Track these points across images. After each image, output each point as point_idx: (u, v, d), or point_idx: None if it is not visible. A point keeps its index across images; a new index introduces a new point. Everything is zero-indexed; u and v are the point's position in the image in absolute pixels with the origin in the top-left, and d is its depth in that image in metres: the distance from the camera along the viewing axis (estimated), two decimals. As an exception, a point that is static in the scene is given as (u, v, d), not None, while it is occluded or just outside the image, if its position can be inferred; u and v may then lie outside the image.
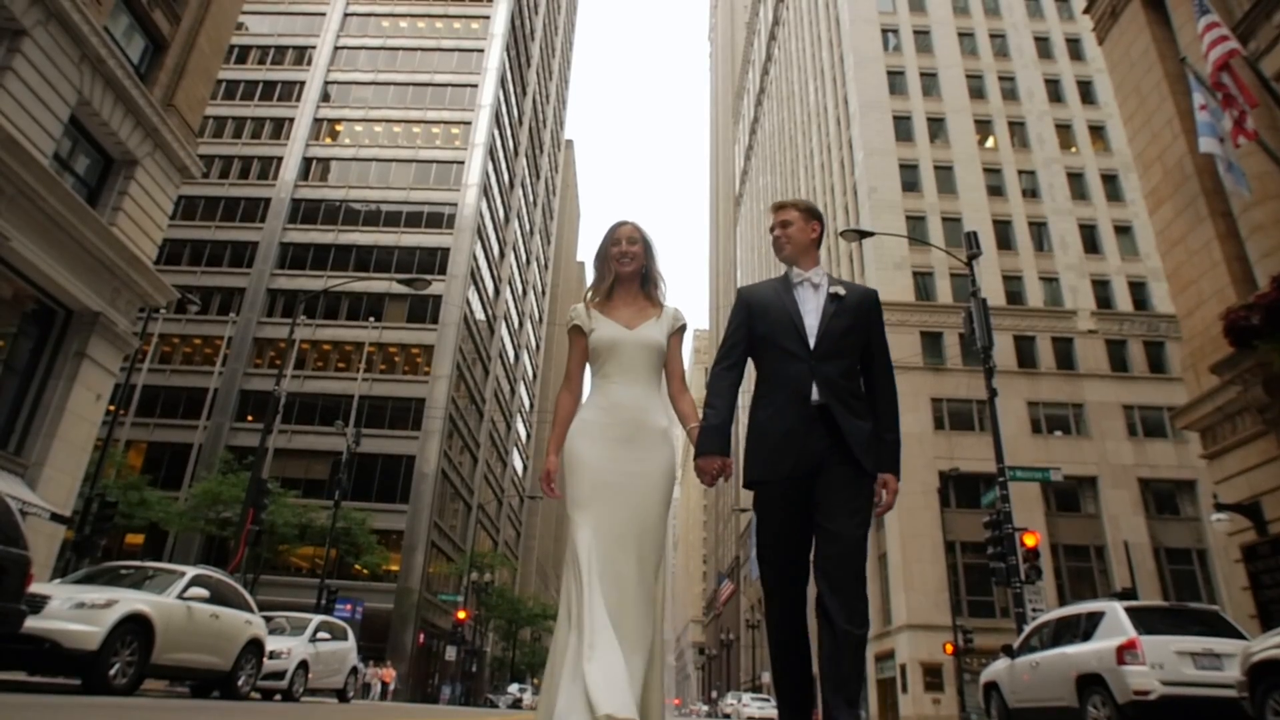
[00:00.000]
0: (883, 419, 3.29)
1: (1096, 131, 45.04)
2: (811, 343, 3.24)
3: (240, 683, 10.27)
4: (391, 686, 32.87)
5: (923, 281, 41.21)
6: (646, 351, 3.29)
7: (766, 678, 54.57)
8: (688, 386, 3.53)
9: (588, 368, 3.41)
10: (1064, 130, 45.16)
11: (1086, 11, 19.28)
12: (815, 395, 3.16)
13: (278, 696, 12.83)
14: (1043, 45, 47.68)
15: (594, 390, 3.34)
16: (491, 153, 56.86)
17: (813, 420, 3.13)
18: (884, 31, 48.08)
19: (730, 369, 3.37)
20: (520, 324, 74.54)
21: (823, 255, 57.63)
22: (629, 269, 3.40)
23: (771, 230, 3.58)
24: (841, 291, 3.34)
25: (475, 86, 57.09)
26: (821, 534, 3.06)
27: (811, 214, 3.52)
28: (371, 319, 47.88)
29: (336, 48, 57.66)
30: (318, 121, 55.02)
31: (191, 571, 9.79)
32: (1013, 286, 41.00)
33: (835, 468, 3.10)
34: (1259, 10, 13.13)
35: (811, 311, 3.31)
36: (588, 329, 3.36)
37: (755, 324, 3.39)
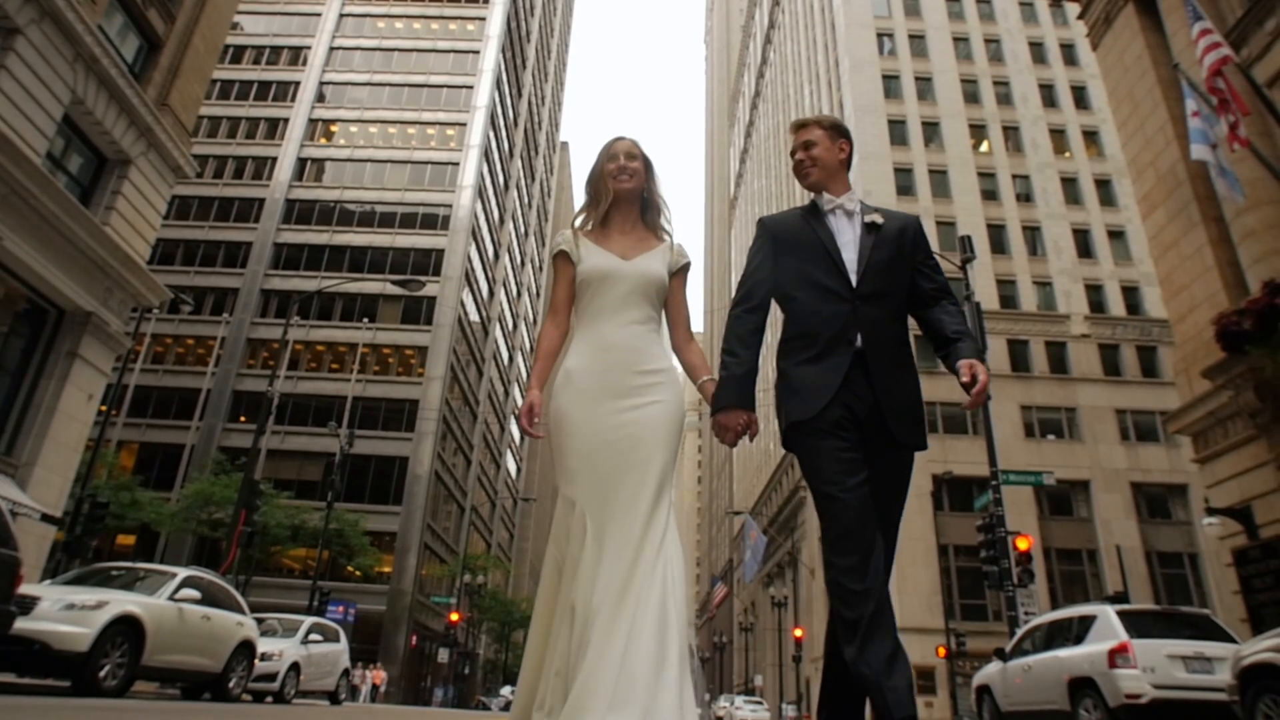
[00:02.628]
0: (949, 325, 2.88)
1: (1090, 136, 45.26)
2: (854, 279, 2.79)
3: (231, 685, 10.22)
4: (382, 689, 32.75)
5: (917, 285, 41.27)
6: (645, 285, 2.83)
7: (760, 681, 54.58)
8: (693, 335, 3.02)
9: (576, 306, 2.94)
10: (1058, 135, 45.36)
11: (1080, 17, 19.38)
12: (858, 342, 2.74)
13: (269, 699, 12.77)
14: (1037, 50, 47.90)
15: (581, 333, 2.85)
16: (486, 154, 56.82)
17: (854, 368, 2.72)
18: (879, 36, 48.25)
19: (753, 311, 2.85)
20: (514, 326, 74.48)
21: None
22: (628, 185, 2.93)
23: (793, 154, 3.11)
24: (879, 219, 2.91)
25: (470, 88, 57.07)
26: None
27: (838, 131, 3.07)
28: (365, 320, 47.78)
29: (332, 48, 57.58)
30: (313, 122, 54.92)
31: (183, 573, 9.75)
32: (1006, 290, 41.14)
33: (874, 442, 2.72)
34: (1251, 17, 13.20)
35: (849, 243, 2.86)
36: (576, 258, 2.88)
37: (783, 258, 2.90)
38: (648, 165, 3.00)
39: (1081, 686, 8.65)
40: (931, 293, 2.94)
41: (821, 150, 3.02)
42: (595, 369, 2.73)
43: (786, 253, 2.91)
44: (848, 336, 2.74)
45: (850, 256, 2.84)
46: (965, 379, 2.76)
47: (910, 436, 2.77)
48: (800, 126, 3.10)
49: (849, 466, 2.62)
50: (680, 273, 2.94)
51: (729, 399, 2.71)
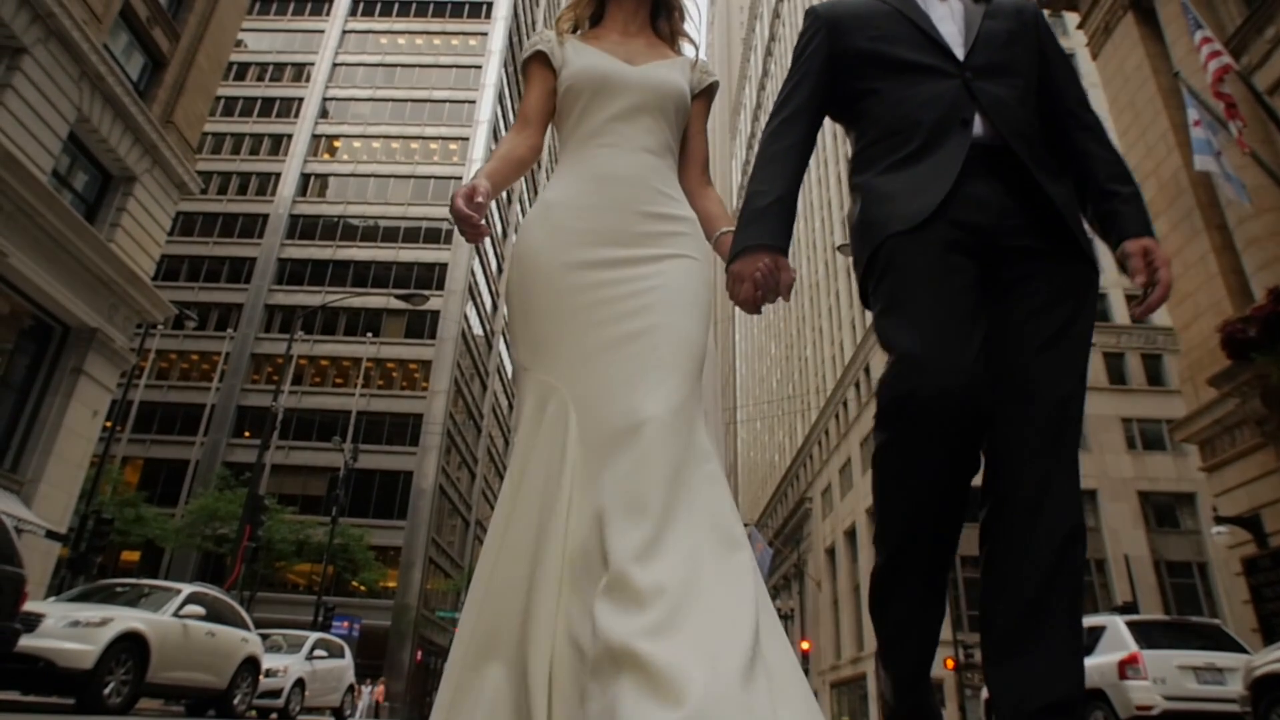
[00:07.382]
0: (1101, 164, 1.88)
1: (1091, 146, 45.33)
2: (960, 52, 1.88)
3: (236, 701, 10.19)
4: (384, 705, 32.58)
5: (920, 295, 41.26)
6: (660, 99, 1.99)
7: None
8: (711, 180, 2.18)
9: (559, 129, 2.12)
10: (1059, 144, 45.44)
11: (1080, 27, 19.45)
12: (978, 128, 1.80)
13: (274, 715, 12.72)
14: (1037, 60, 48.08)
15: (568, 161, 2.02)
16: (489, 168, 57.03)
17: (974, 164, 1.77)
18: (879, 47, 48.48)
19: (790, 122, 1.96)
20: (518, 339, 74.59)
21: (820, 268, 57.82)
22: None
23: None
24: None
25: (473, 103, 57.38)
26: (1009, 383, 1.72)
27: None
28: (369, 334, 47.87)
29: (335, 64, 57.96)
30: (316, 138, 55.24)
31: (187, 589, 9.74)
32: (1010, 300, 41.12)
33: (1028, 260, 1.77)
34: (1250, 25, 13.25)
35: (946, 17, 1.94)
36: (558, 61, 2.05)
37: (849, 40, 1.96)
38: None
39: (1092, 698, 8.56)
40: (1068, 101, 1.94)
41: None
42: (587, 205, 1.90)
43: (855, 33, 1.97)
44: (961, 116, 1.81)
45: (951, 29, 1.93)
46: (1137, 267, 1.76)
47: (1085, 242, 1.80)
48: None
49: (951, 336, 1.66)
50: (703, 96, 2.13)
51: (752, 236, 1.84)
